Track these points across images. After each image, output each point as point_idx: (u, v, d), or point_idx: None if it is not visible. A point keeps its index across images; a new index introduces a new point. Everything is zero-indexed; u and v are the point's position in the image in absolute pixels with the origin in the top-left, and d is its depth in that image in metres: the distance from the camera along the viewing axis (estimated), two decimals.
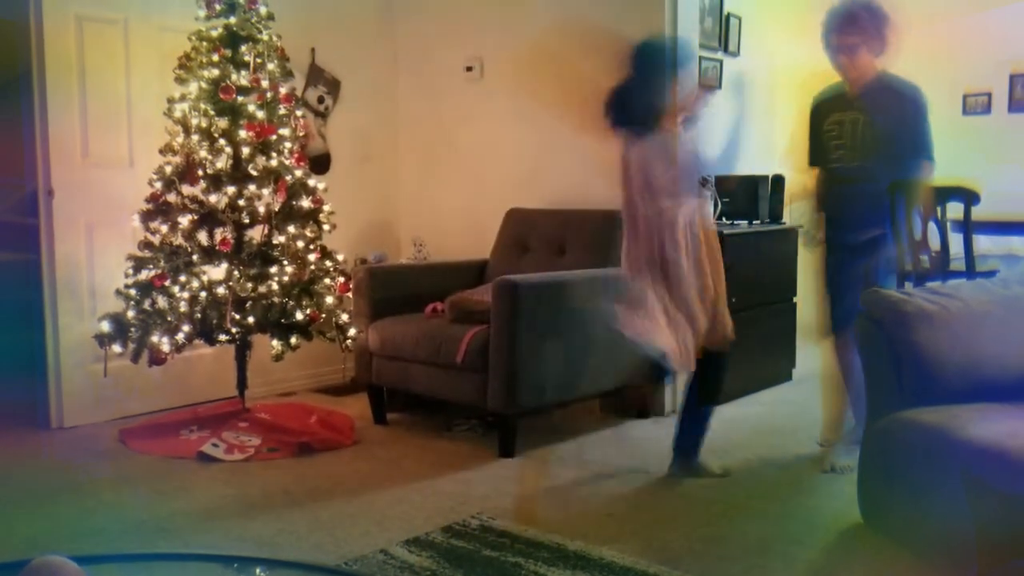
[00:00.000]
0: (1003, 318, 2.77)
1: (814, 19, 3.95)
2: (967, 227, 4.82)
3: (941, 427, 2.49)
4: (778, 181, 4.95)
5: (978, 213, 4.53)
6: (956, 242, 5.35)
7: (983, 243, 5.05)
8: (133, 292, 3.75)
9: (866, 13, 3.40)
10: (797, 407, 4.30)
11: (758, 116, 5.64)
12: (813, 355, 5.32)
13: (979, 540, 2.10)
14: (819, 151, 3.69)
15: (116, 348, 3.72)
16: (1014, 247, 6.30)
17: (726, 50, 5.34)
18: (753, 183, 4.69)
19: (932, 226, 3.86)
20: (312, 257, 3.94)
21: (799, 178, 3.94)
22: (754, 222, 4.71)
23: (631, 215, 3.29)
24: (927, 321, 2.67)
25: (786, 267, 4.71)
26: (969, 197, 4.71)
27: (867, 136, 3.48)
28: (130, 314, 3.72)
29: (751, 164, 5.32)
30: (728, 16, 5.32)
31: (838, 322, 3.60)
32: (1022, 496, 2.19)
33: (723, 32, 5.30)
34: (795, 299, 4.94)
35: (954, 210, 5.15)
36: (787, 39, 5.89)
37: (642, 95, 3.23)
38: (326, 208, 4.03)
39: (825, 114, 3.64)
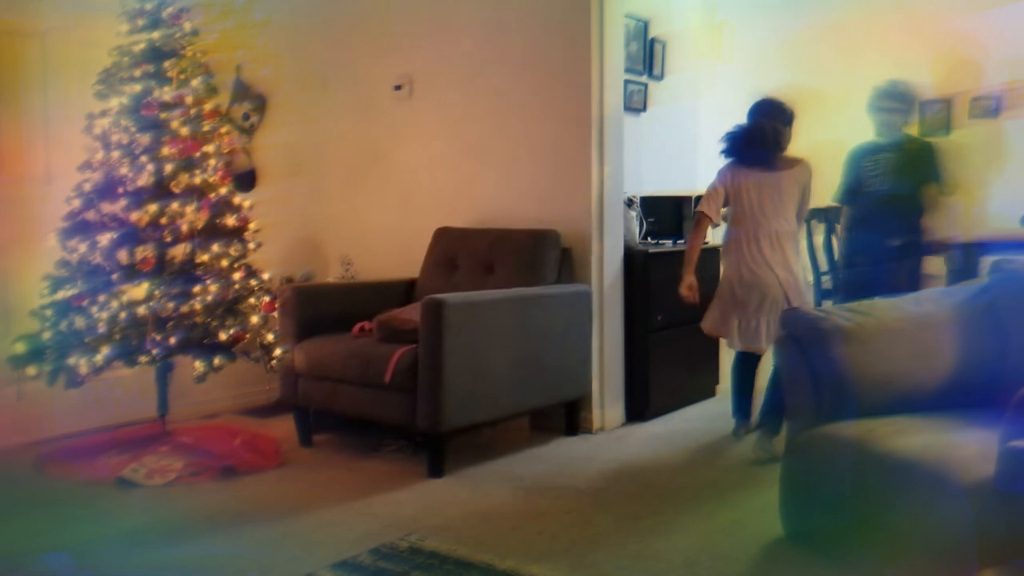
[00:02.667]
0: (916, 334, 2.87)
1: (738, 45, 4.20)
2: None
3: (859, 441, 2.57)
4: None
5: None
6: None
7: None
8: (49, 312, 3.64)
9: (905, 92, 4.49)
10: (721, 422, 4.38)
11: (681, 138, 5.77)
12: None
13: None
14: (855, 185, 4.60)
15: (31, 370, 3.60)
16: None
17: (651, 74, 5.46)
18: (677, 203, 4.78)
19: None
20: (237, 276, 3.88)
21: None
22: (678, 241, 4.81)
23: (762, 226, 3.98)
24: (844, 338, 2.76)
25: (711, 285, 4.79)
26: None
27: (896, 167, 4.43)
28: (46, 335, 3.61)
29: (675, 184, 5.44)
30: (653, 41, 5.45)
31: None
32: (937, 506, 2.27)
33: (648, 56, 5.42)
34: None
35: None
36: (709, 64, 6.06)
37: (780, 136, 4.00)
38: (251, 226, 3.98)
39: (865, 155, 4.57)
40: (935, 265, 5.59)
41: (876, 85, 4.55)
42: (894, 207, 4.40)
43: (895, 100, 4.52)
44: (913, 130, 4.66)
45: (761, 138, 3.97)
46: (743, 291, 3.98)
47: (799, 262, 4.08)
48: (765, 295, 3.94)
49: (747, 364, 4.14)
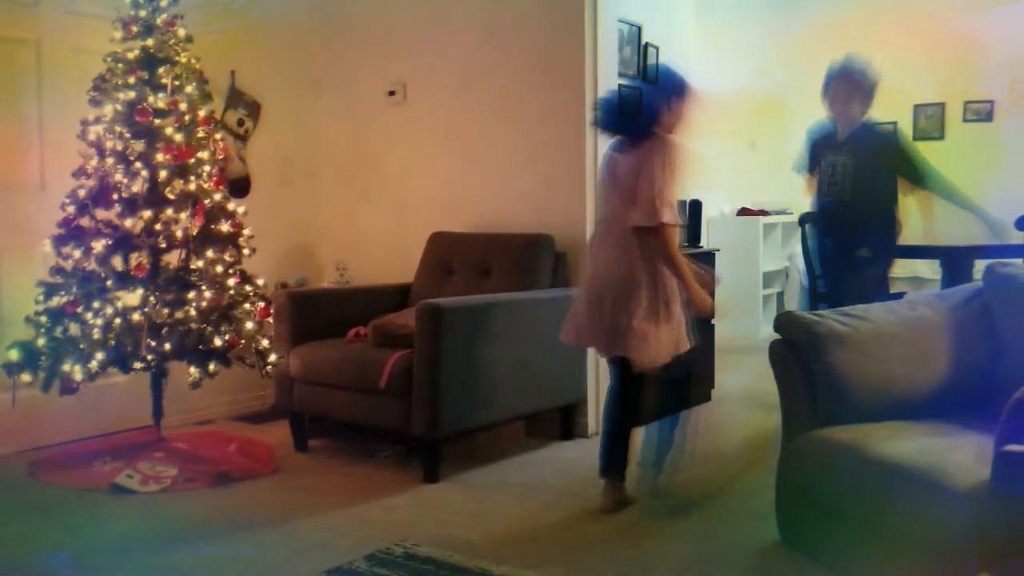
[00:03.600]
0: (911, 339, 2.87)
1: (731, 47, 4.15)
2: None
3: (854, 445, 2.57)
4: (695, 206, 5.06)
5: None
6: None
7: None
8: (44, 319, 3.63)
9: (861, 73, 4.08)
10: (717, 426, 4.38)
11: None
12: (731, 376, 5.46)
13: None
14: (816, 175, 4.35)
15: (25, 377, 3.59)
16: (920, 271, 6.55)
17: (645, 78, 5.47)
18: None
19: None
20: (231, 282, 3.87)
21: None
22: None
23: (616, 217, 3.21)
24: (839, 342, 2.76)
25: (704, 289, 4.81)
26: None
27: (854, 177, 4.13)
28: (40, 342, 3.60)
29: None
30: (646, 45, 5.46)
31: None
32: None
33: (642, 61, 5.43)
34: (713, 321, 5.03)
35: None
36: (703, 68, 6.07)
37: (650, 103, 3.21)
38: (246, 232, 3.97)
39: (821, 151, 4.28)
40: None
41: (830, 65, 4.17)
42: (858, 215, 4.15)
43: (852, 82, 4.10)
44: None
45: (624, 109, 3.28)
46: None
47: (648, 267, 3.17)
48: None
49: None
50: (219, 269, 3.85)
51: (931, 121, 6.96)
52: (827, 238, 4.46)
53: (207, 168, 3.87)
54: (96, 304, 3.62)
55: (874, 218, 4.15)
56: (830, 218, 4.34)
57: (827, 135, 4.29)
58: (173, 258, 3.84)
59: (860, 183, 4.13)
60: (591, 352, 4.28)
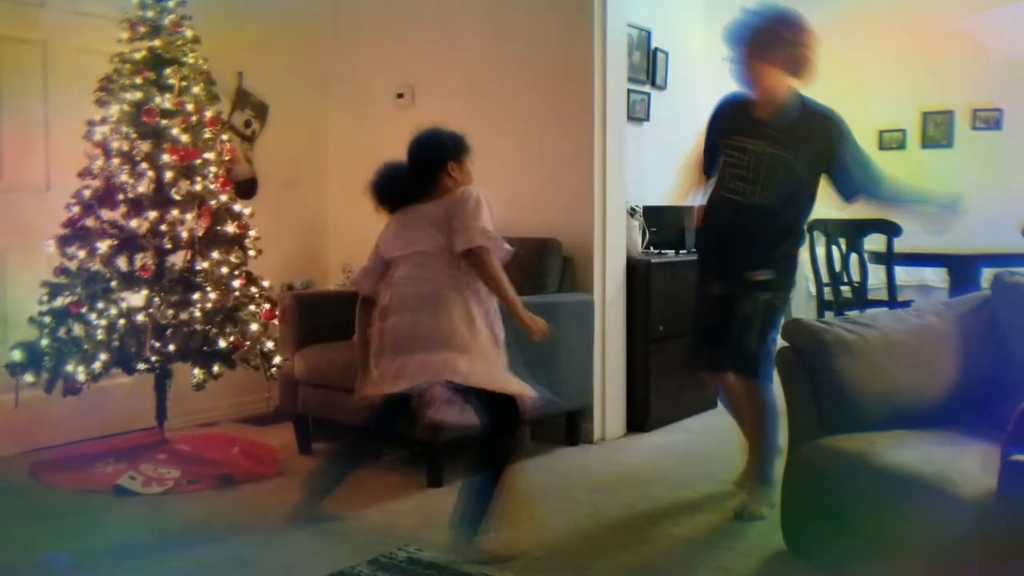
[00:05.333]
0: (918, 347, 2.85)
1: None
2: (889, 259, 5.01)
3: (859, 453, 2.55)
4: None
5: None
6: (872, 273, 5.53)
7: (899, 275, 5.24)
8: (48, 319, 3.62)
9: (772, 25, 3.09)
10: (722, 434, 4.35)
11: (685, 148, 5.76)
12: None
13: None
14: (713, 167, 3.36)
15: (29, 378, 3.58)
16: (927, 279, 6.53)
17: (654, 83, 5.46)
18: (679, 213, 4.77)
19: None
20: (236, 283, 3.86)
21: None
22: (680, 252, 4.79)
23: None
24: (846, 350, 2.74)
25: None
26: (891, 230, 4.90)
27: (775, 174, 3.13)
28: (44, 342, 3.59)
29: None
30: (655, 50, 5.44)
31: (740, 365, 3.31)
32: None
33: (650, 66, 5.41)
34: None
35: (872, 242, 5.32)
36: (712, 73, 6.04)
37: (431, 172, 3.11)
38: (251, 233, 3.97)
39: (728, 129, 3.27)
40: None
41: (734, 17, 3.18)
42: (766, 224, 3.18)
43: (756, 38, 3.10)
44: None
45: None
46: None
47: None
48: None
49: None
50: (224, 270, 3.84)
51: (939, 129, 6.94)
52: (710, 255, 3.45)
53: (213, 169, 3.86)
54: (100, 305, 3.61)
55: (784, 231, 3.22)
56: (722, 225, 3.30)
57: (739, 110, 3.26)
58: (178, 259, 3.83)
59: (777, 180, 3.12)
60: (597, 357, 4.27)
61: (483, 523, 2.85)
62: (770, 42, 3.09)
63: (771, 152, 3.12)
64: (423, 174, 3.13)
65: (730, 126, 3.27)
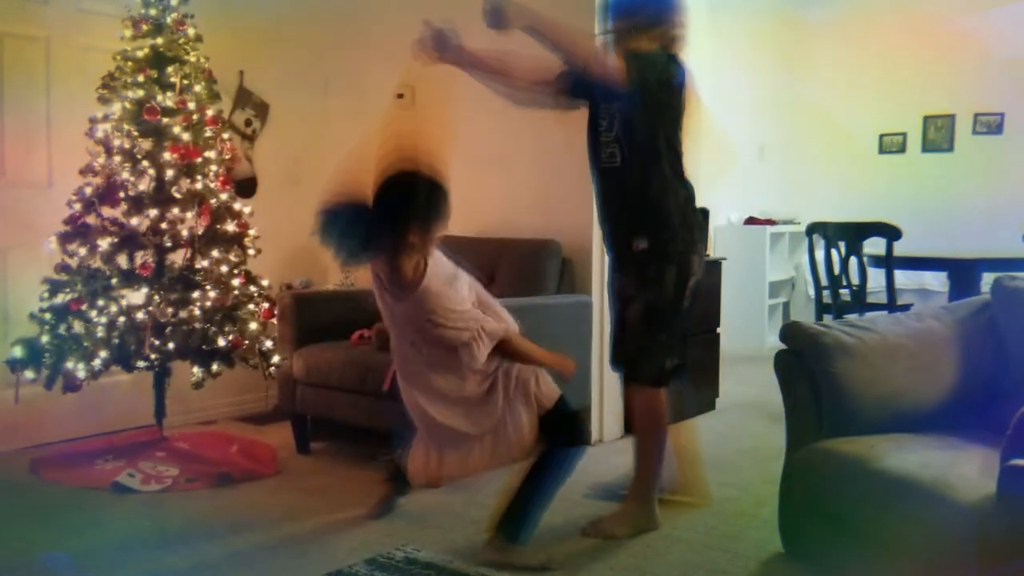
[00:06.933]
0: (917, 351, 2.85)
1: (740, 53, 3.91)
2: (889, 263, 5.01)
3: (858, 457, 2.55)
4: (705, 213, 5.04)
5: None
6: (872, 277, 5.52)
7: (898, 279, 5.25)
8: (48, 316, 3.62)
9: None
10: (721, 436, 4.36)
11: None
12: (737, 384, 5.44)
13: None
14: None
15: (29, 374, 3.59)
16: (927, 283, 6.53)
17: None
18: None
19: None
20: (236, 282, 3.87)
21: None
22: None
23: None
24: (845, 353, 2.74)
25: (711, 298, 4.79)
26: (891, 234, 4.90)
27: (626, 128, 3.03)
28: (44, 339, 3.60)
29: None
30: None
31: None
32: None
33: None
34: (718, 329, 5.02)
35: (872, 245, 5.31)
36: (712, 73, 6.05)
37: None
38: (251, 232, 3.97)
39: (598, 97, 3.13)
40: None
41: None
42: (631, 186, 3.03)
43: (621, 10, 3.09)
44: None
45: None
46: None
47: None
48: None
49: None
50: (224, 269, 3.84)
51: (941, 133, 6.94)
52: (605, 238, 3.26)
53: (214, 168, 3.87)
54: (100, 302, 3.62)
55: (645, 189, 3.03)
56: (603, 198, 3.18)
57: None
58: (178, 257, 3.83)
59: (632, 136, 3.00)
60: (595, 359, 4.27)
61: (525, 531, 2.84)
62: (630, 13, 3.14)
63: (620, 108, 3.05)
64: (386, 228, 2.84)
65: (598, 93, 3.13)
